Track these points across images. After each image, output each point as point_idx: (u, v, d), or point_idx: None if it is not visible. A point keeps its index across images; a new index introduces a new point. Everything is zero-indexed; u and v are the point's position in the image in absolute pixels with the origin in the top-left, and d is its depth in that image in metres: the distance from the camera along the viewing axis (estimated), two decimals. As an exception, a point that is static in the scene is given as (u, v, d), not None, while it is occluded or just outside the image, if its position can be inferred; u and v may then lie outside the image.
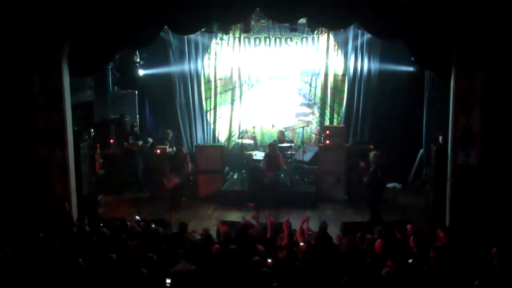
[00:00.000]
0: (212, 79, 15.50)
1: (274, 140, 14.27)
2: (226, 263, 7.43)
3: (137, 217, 10.25)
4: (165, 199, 12.99)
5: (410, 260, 7.57)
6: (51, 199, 10.33)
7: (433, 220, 11.06)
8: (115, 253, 7.38)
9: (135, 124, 14.68)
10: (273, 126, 14.99)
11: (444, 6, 9.83)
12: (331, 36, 14.84)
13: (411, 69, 13.86)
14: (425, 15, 10.00)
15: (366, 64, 14.67)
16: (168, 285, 6.83)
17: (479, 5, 9.67)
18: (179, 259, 7.56)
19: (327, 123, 15.01)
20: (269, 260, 7.66)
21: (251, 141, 14.84)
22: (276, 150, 13.43)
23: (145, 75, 15.12)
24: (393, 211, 12.60)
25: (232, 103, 15.52)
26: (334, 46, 14.94)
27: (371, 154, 11.87)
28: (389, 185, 14.03)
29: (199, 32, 13.35)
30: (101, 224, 9.60)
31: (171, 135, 14.45)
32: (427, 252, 7.83)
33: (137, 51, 14.61)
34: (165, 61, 15.17)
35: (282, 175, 13.41)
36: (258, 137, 15.32)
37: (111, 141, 14.80)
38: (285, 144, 14.25)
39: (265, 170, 13.12)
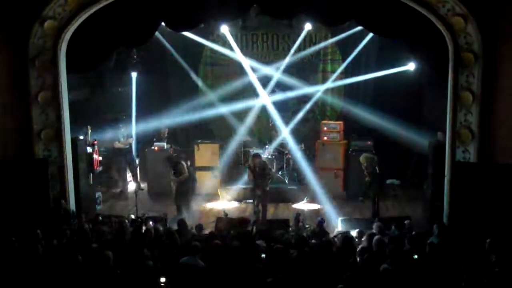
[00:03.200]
0: (209, 76, 15.45)
1: (257, 154, 12.69)
2: (229, 259, 7.45)
3: (132, 216, 10.23)
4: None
5: (416, 256, 7.63)
6: (48, 197, 10.28)
7: (431, 216, 11.09)
8: (113, 251, 7.37)
9: (121, 125, 14.64)
10: (270, 123, 14.96)
11: (442, 5, 9.81)
12: (329, 33, 14.80)
13: (410, 64, 13.79)
14: (423, 12, 9.98)
15: (365, 61, 14.63)
16: (162, 284, 6.80)
17: (477, 1, 9.66)
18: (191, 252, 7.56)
19: (325, 119, 14.98)
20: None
21: (249, 139, 14.80)
22: (262, 162, 12.17)
23: (142, 73, 14.99)
24: (392, 207, 12.63)
25: (229, 100, 15.46)
26: (333, 46, 14.89)
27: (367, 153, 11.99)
28: (388, 181, 14.05)
29: (196, 28, 13.25)
30: (99, 222, 9.61)
31: (167, 132, 14.39)
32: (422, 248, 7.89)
33: (134, 49, 14.50)
34: (162, 59, 15.07)
35: (280, 173, 13.40)
36: (256, 134, 15.28)
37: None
38: (283, 142, 14.23)
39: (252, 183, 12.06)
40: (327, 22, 12.16)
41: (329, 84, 15.00)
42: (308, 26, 13.91)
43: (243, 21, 13.23)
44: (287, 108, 15.32)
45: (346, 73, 14.91)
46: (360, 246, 8.37)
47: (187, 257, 7.50)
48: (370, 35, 13.52)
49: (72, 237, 8.57)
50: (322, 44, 14.86)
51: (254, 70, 15.00)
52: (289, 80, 15.06)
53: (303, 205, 12.86)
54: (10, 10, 10.00)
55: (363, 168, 11.90)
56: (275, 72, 14.98)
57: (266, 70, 15.09)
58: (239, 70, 15.22)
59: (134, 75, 14.75)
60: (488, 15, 9.67)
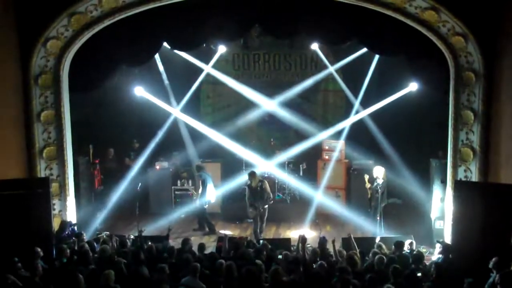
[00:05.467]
0: (211, 94, 15.47)
1: (253, 172, 12.15)
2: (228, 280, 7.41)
3: (132, 236, 10.15)
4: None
5: (419, 274, 7.59)
6: (50, 216, 10.23)
7: (433, 236, 11.04)
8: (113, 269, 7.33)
9: (135, 140, 14.64)
10: (272, 141, 14.95)
11: (442, 24, 9.88)
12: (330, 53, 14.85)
13: (411, 85, 13.78)
14: (423, 31, 10.05)
15: (366, 80, 14.66)
16: None
17: (477, 21, 9.73)
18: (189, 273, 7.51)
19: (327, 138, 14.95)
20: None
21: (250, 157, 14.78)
22: (259, 180, 11.96)
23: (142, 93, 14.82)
24: (393, 226, 12.56)
25: (231, 118, 15.48)
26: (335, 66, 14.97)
27: (373, 169, 11.94)
28: (390, 200, 13.98)
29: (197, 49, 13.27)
30: (100, 241, 9.57)
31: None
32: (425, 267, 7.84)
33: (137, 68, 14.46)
34: (162, 79, 15.02)
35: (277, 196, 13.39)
36: (258, 153, 15.25)
37: (110, 157, 14.71)
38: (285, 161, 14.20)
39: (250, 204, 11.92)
40: (329, 41, 12.23)
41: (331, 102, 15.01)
42: (314, 46, 13.95)
43: (244, 41, 13.28)
44: (288, 126, 15.31)
45: (347, 91, 14.88)
46: (365, 265, 8.35)
47: (187, 277, 7.45)
48: (374, 62, 13.62)
49: (72, 257, 8.54)
50: (326, 72, 14.73)
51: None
52: (290, 98, 15.08)
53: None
54: (14, 29, 10.08)
55: (367, 185, 11.84)
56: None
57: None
58: (241, 89, 15.20)
59: (139, 90, 14.44)
60: (487, 34, 9.73)
